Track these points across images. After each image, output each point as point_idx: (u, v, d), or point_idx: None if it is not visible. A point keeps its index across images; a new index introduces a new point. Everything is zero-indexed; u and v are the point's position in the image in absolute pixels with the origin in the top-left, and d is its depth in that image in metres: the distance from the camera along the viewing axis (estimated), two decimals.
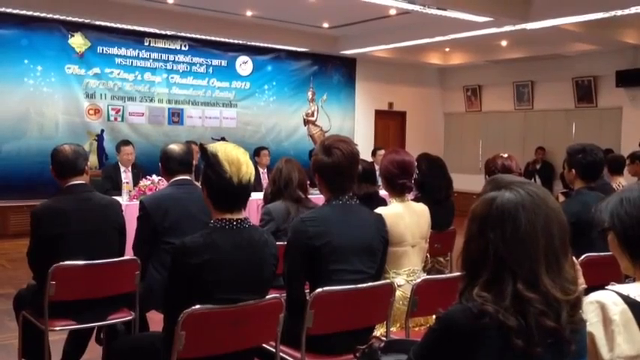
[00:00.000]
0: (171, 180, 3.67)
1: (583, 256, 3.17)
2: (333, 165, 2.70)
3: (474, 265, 1.44)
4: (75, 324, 3.22)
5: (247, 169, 2.36)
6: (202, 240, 2.30)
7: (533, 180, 11.51)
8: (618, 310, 1.53)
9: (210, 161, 2.35)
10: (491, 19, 8.51)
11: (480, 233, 1.43)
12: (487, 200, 1.46)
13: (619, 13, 8.04)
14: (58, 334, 3.41)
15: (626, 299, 1.55)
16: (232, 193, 2.34)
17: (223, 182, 2.32)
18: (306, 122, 11.93)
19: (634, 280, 1.66)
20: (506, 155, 4.17)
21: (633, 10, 7.82)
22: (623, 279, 2.88)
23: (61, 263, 3.05)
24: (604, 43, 10.15)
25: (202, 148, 2.41)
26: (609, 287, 1.60)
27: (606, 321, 1.53)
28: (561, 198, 7.79)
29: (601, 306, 1.55)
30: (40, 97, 9.14)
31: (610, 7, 7.88)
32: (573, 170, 3.63)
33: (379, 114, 13.02)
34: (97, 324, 3.37)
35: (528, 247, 1.39)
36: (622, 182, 6.22)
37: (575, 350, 1.41)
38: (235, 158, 2.34)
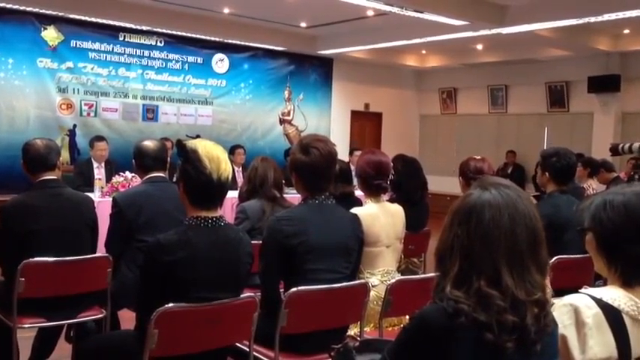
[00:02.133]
0: (145, 177, 3.63)
1: (554, 259, 3.22)
2: (311, 164, 2.69)
3: (444, 259, 1.48)
4: (44, 321, 3.17)
5: (226, 167, 2.35)
6: (177, 237, 2.28)
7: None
8: (591, 313, 1.55)
9: (190, 157, 2.33)
10: (468, 22, 8.60)
11: (450, 226, 1.49)
12: (463, 197, 1.51)
13: (592, 19, 8.19)
14: (26, 332, 3.35)
15: (599, 302, 1.57)
16: (211, 190, 2.32)
17: (203, 178, 2.30)
18: (282, 121, 11.91)
19: (605, 283, 1.68)
20: (479, 157, 4.22)
21: (606, 17, 7.98)
22: (593, 281, 2.93)
23: (31, 260, 3.00)
24: (577, 49, 10.32)
25: (181, 144, 2.38)
26: (582, 290, 1.62)
27: (579, 324, 1.55)
28: (533, 201, 7.91)
29: (574, 309, 1.56)
30: (11, 90, 8.95)
31: (583, 13, 8.02)
32: (546, 173, 3.68)
33: (355, 114, 13.06)
34: (67, 322, 3.32)
35: (489, 244, 1.42)
36: (593, 185, 6.35)
37: (544, 351, 1.43)
38: (215, 155, 2.33)
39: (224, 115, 11.10)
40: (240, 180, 8.16)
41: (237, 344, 2.65)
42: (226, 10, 9.61)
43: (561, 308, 1.57)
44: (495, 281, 1.40)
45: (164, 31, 10.09)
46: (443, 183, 10.86)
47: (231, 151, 8.86)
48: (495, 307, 1.37)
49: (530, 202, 1.51)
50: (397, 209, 3.42)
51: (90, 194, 4.01)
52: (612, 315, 1.55)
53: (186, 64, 10.60)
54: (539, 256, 1.46)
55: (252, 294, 2.51)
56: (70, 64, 9.43)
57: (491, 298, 1.38)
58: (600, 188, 6.10)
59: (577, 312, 1.56)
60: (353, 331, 2.98)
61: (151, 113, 10.30)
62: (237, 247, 2.42)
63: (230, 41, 10.77)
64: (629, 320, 1.56)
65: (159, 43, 10.28)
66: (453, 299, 1.39)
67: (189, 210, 2.37)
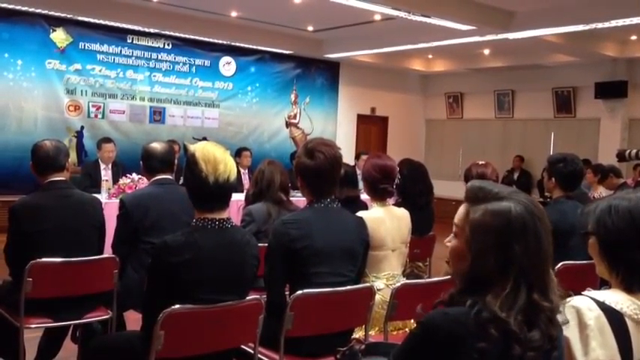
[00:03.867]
0: (152, 179, 3.65)
1: (560, 264, 3.22)
2: (316, 168, 2.70)
3: (486, 278, 1.41)
4: (51, 322, 3.18)
5: (225, 168, 2.33)
6: (184, 239, 2.29)
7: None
8: (593, 315, 1.56)
9: (189, 160, 2.36)
10: (474, 27, 8.60)
11: (499, 246, 1.41)
12: (501, 212, 1.43)
13: (599, 25, 8.18)
14: (33, 332, 3.36)
15: (602, 305, 1.57)
16: (208, 193, 2.32)
17: (198, 181, 2.31)
18: (288, 124, 11.93)
19: (609, 287, 1.69)
20: (481, 162, 4.23)
21: (613, 23, 7.97)
22: (599, 287, 2.92)
23: (39, 260, 3.01)
24: (584, 55, 10.30)
25: (185, 148, 2.41)
26: (585, 293, 1.62)
27: (581, 325, 1.56)
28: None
29: (577, 310, 1.57)
30: (20, 91, 9.01)
31: (590, 19, 8.01)
32: (553, 179, 3.68)
33: (361, 118, 13.07)
34: (73, 322, 3.33)
35: (545, 258, 1.42)
36: (602, 192, 6.33)
37: (557, 355, 1.45)
38: (212, 157, 2.32)
39: (231, 117, 11.13)
40: (246, 182, 8.19)
41: (243, 346, 2.65)
42: (234, 14, 9.64)
43: (564, 310, 1.58)
44: (544, 292, 1.40)
45: (172, 33, 10.14)
46: (448, 187, 10.84)
47: (238, 153, 8.89)
48: (544, 319, 1.38)
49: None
50: (403, 213, 3.42)
51: (97, 196, 4.03)
52: (614, 318, 1.56)
53: (194, 67, 10.64)
54: None
55: (258, 296, 2.52)
56: (78, 65, 9.48)
57: (544, 311, 1.38)
58: (608, 195, 6.09)
59: (579, 314, 1.57)
60: (358, 334, 2.98)
61: (158, 115, 10.34)
62: (244, 249, 2.43)
63: (237, 44, 10.81)
64: (632, 323, 1.57)
65: (166, 46, 10.32)
66: (490, 307, 1.36)
67: (196, 212, 2.39)
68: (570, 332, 1.56)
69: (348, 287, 2.71)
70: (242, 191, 7.28)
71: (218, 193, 2.34)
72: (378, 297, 2.97)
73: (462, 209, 1.52)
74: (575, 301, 1.60)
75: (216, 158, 2.32)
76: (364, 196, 4.30)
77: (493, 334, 1.34)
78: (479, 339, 1.36)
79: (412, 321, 2.95)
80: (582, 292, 1.63)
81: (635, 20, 7.79)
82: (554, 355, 1.44)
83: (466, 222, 1.47)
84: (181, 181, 2.68)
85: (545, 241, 1.43)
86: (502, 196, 1.46)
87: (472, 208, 1.47)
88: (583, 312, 1.56)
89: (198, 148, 2.35)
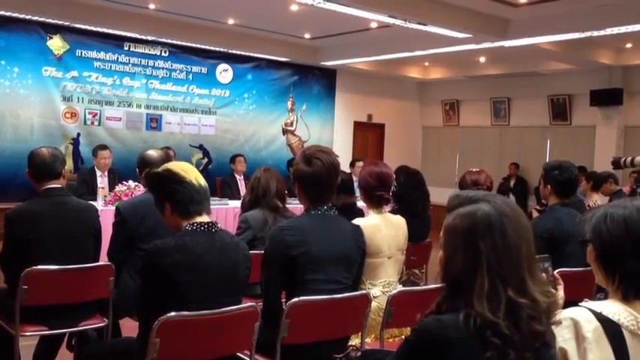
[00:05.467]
0: None
1: (555, 271, 3.22)
2: (313, 175, 2.71)
3: (460, 279, 1.46)
4: (46, 329, 3.17)
5: (198, 173, 2.46)
6: (174, 242, 2.31)
7: (507, 196, 11.66)
8: (591, 327, 1.55)
9: (170, 177, 2.39)
10: (471, 35, 8.64)
11: (467, 245, 1.46)
12: (468, 213, 1.49)
13: (594, 33, 8.23)
14: (28, 340, 3.35)
15: (599, 316, 1.57)
16: (197, 195, 2.38)
17: (189, 188, 2.37)
18: (285, 132, 11.94)
19: (606, 296, 1.68)
20: (475, 170, 4.24)
21: (608, 31, 8.01)
22: (594, 294, 2.93)
23: (34, 268, 3.00)
24: (579, 63, 10.35)
25: (153, 174, 2.46)
26: (583, 304, 1.62)
27: (579, 338, 1.55)
28: (535, 214, 7.90)
29: (574, 323, 1.57)
30: (16, 99, 9.00)
31: (586, 27, 8.05)
32: (549, 186, 3.69)
33: (358, 125, 13.09)
34: (68, 330, 3.32)
35: (515, 254, 1.45)
36: (597, 200, 6.34)
37: (552, 355, 1.46)
38: (185, 166, 2.46)
39: (227, 125, 11.14)
40: (242, 189, 8.19)
41: (239, 354, 2.65)
42: (231, 21, 9.67)
43: (561, 322, 1.57)
44: (521, 289, 1.43)
45: (168, 41, 10.16)
46: (445, 195, 10.69)
47: (232, 160, 8.92)
48: (525, 316, 1.41)
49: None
50: (399, 220, 3.43)
51: (93, 203, 4.02)
52: (612, 329, 1.55)
53: (190, 74, 10.65)
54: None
55: (254, 303, 2.52)
56: (74, 73, 9.48)
57: (522, 307, 1.41)
58: (604, 202, 6.10)
59: (577, 326, 1.56)
60: (354, 341, 2.97)
61: (154, 122, 10.34)
62: (235, 251, 2.45)
63: (234, 52, 10.83)
64: (629, 335, 1.56)
65: (163, 53, 10.33)
66: (479, 311, 1.39)
67: (183, 222, 2.39)
68: (568, 344, 1.56)
69: (345, 294, 2.70)
70: (238, 198, 7.29)
71: (204, 194, 2.42)
72: (374, 304, 2.97)
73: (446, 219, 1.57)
74: (572, 312, 1.60)
75: (188, 166, 2.46)
76: (361, 204, 4.31)
77: (494, 341, 1.37)
78: (476, 345, 1.38)
79: (409, 328, 2.95)
80: (580, 303, 1.62)
81: (630, 28, 7.84)
82: (551, 353, 1.46)
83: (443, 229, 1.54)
84: None
85: (514, 238, 1.46)
86: (475, 199, 1.52)
87: (447, 216, 1.54)
88: (581, 324, 1.56)
89: (169, 165, 2.46)
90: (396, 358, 1.51)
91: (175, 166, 2.46)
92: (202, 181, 2.44)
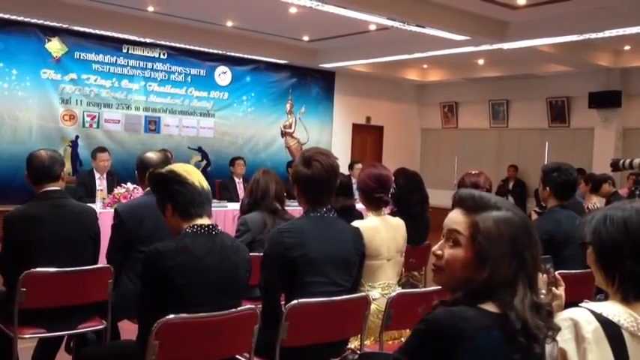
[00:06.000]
0: (147, 188, 3.63)
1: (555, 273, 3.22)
2: (312, 177, 2.71)
3: (500, 283, 1.48)
4: (45, 332, 3.16)
5: (200, 175, 2.46)
6: (174, 244, 2.31)
7: (505, 198, 11.66)
8: (591, 328, 1.55)
9: (171, 178, 2.40)
10: (469, 38, 8.65)
11: (513, 253, 1.49)
12: (507, 219, 1.52)
13: (593, 36, 8.24)
14: (27, 342, 3.34)
15: (599, 317, 1.57)
16: (198, 197, 2.39)
17: (192, 189, 2.38)
18: (283, 134, 11.94)
19: (606, 298, 1.68)
20: (474, 172, 4.25)
21: (607, 33, 8.02)
22: (594, 296, 2.93)
23: (33, 270, 3.00)
24: (578, 65, 10.37)
25: (156, 174, 2.46)
26: (583, 305, 1.62)
27: (579, 338, 1.55)
28: (534, 216, 7.92)
29: (574, 323, 1.57)
30: (15, 101, 9.00)
31: (584, 30, 8.06)
32: (548, 188, 3.69)
33: (357, 128, 13.10)
34: (67, 332, 3.31)
35: (538, 262, 1.55)
36: (597, 202, 6.33)
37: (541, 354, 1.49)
38: (188, 168, 2.47)
39: (226, 127, 11.13)
40: (241, 191, 8.19)
41: (238, 356, 2.64)
42: (229, 24, 9.67)
43: (561, 322, 1.57)
44: (535, 290, 1.51)
45: (167, 43, 10.16)
46: (444, 197, 10.78)
47: (231, 162, 8.93)
48: (543, 313, 1.49)
49: None
50: (398, 222, 3.42)
51: (92, 205, 4.02)
52: (612, 330, 1.55)
53: (189, 77, 10.65)
54: None
55: (253, 306, 2.52)
56: (73, 75, 9.48)
57: (543, 307, 1.49)
58: (602, 204, 6.09)
59: (577, 326, 1.56)
60: (353, 344, 2.97)
61: (153, 125, 10.33)
62: (236, 253, 2.45)
63: (233, 54, 10.83)
64: (629, 336, 1.56)
65: (162, 56, 10.34)
66: (527, 318, 1.45)
67: (184, 224, 2.38)
68: (568, 345, 1.55)
69: (344, 297, 2.70)
70: (237, 200, 7.29)
71: (206, 197, 2.42)
72: (373, 306, 2.96)
73: (460, 217, 1.56)
74: (572, 313, 1.60)
75: (192, 168, 2.47)
76: (360, 206, 4.30)
77: (522, 341, 1.42)
78: (490, 341, 1.42)
79: (408, 330, 2.95)
80: (580, 304, 1.62)
81: (628, 31, 7.85)
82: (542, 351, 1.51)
83: (472, 230, 1.52)
84: None
85: (540, 248, 1.55)
86: (500, 205, 1.54)
87: (479, 217, 1.52)
88: (581, 325, 1.56)
89: (173, 166, 2.47)
90: (404, 349, 1.51)
91: (179, 167, 2.46)
92: (205, 184, 2.44)
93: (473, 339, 1.40)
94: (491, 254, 1.49)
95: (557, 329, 1.52)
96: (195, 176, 2.42)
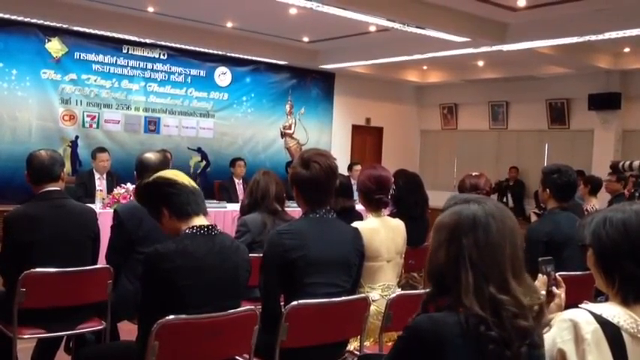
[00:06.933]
0: None
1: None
2: (311, 178, 2.71)
3: (443, 273, 1.51)
4: (44, 332, 3.16)
5: (189, 179, 2.47)
6: (174, 246, 2.31)
7: (504, 197, 11.67)
8: (590, 329, 1.55)
9: (161, 182, 2.41)
10: (469, 39, 8.65)
11: (449, 241, 1.51)
12: (454, 211, 1.55)
13: (592, 38, 8.24)
14: (26, 342, 3.34)
15: (599, 318, 1.57)
16: (192, 195, 2.40)
17: (182, 188, 2.38)
18: (283, 135, 11.94)
19: (606, 300, 1.69)
20: (474, 174, 4.25)
21: (607, 35, 8.03)
22: (594, 298, 2.92)
23: (32, 270, 3.00)
24: (577, 67, 10.37)
25: (149, 183, 2.46)
26: (582, 306, 1.62)
27: (578, 339, 1.55)
28: (534, 217, 7.92)
29: (574, 324, 1.57)
30: (14, 101, 8.98)
31: (584, 32, 8.06)
32: (547, 190, 3.69)
33: (356, 129, 13.10)
34: (66, 333, 3.31)
35: (497, 253, 1.49)
36: (596, 205, 6.33)
37: (540, 355, 1.48)
38: (176, 172, 2.49)
39: (225, 128, 11.13)
40: (241, 192, 8.19)
41: (237, 357, 2.64)
42: (229, 24, 9.67)
43: (561, 323, 1.58)
44: (503, 287, 1.47)
45: (167, 44, 10.15)
46: (443, 198, 10.62)
47: (232, 163, 8.95)
48: (509, 313, 1.44)
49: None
50: (398, 224, 3.43)
51: (91, 205, 4.02)
52: (611, 332, 1.55)
53: (189, 77, 10.64)
54: (525, 262, 1.56)
55: (253, 307, 2.52)
56: (73, 75, 9.47)
57: (504, 304, 1.44)
58: (602, 206, 6.08)
59: (577, 327, 1.56)
60: (353, 345, 2.97)
61: (152, 125, 10.33)
62: (235, 254, 2.45)
63: (232, 55, 10.83)
64: (628, 338, 1.56)
65: (162, 56, 10.33)
66: (476, 312, 1.43)
67: (182, 225, 2.38)
68: (567, 346, 1.56)
69: (343, 298, 2.70)
70: (237, 201, 7.29)
71: (199, 195, 2.44)
72: (373, 308, 2.97)
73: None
74: (572, 314, 1.60)
75: (178, 172, 2.50)
76: (359, 207, 4.31)
77: (491, 335, 1.40)
78: (469, 343, 1.41)
79: None
80: (580, 305, 1.63)
81: (628, 32, 7.85)
82: (538, 353, 1.49)
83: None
84: None
85: (497, 237, 1.50)
86: (468, 200, 1.57)
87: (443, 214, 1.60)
88: (581, 325, 1.56)
89: (157, 175, 2.47)
90: (389, 356, 1.55)
91: (165, 172, 2.49)
92: (194, 184, 2.46)
93: (454, 345, 1.41)
94: (430, 243, 1.56)
95: (540, 336, 1.50)
96: (183, 178, 2.44)
